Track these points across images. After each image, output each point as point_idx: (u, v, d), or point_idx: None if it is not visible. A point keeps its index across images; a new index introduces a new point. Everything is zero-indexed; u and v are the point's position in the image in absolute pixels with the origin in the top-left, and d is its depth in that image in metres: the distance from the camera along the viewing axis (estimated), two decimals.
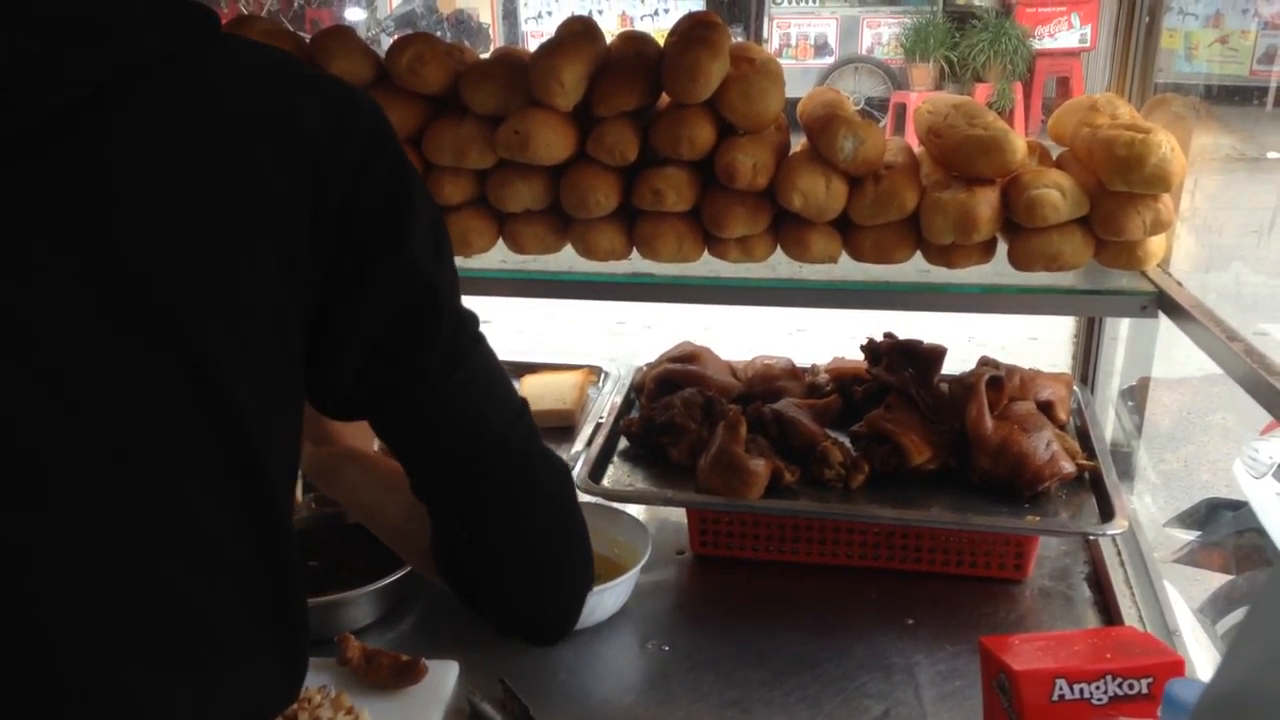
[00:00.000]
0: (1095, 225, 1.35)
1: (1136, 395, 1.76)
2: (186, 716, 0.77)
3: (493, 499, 0.91)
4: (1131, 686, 1.07)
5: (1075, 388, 1.75)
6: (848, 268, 1.45)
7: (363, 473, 1.06)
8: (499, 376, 0.92)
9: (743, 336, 1.93)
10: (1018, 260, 1.38)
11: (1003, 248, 1.43)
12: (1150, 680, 1.07)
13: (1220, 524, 2.63)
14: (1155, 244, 1.36)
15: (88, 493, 0.69)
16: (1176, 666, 1.08)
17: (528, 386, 1.88)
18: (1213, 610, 2.57)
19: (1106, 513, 1.49)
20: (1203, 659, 1.45)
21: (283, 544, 0.85)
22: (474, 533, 0.92)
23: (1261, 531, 2.48)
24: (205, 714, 0.79)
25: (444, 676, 1.39)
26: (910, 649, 1.45)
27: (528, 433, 0.93)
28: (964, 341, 2.98)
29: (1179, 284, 1.34)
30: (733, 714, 1.35)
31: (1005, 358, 1.74)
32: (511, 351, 1.98)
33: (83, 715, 0.70)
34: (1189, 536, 2.68)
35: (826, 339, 2.01)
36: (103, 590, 0.70)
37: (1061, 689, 1.06)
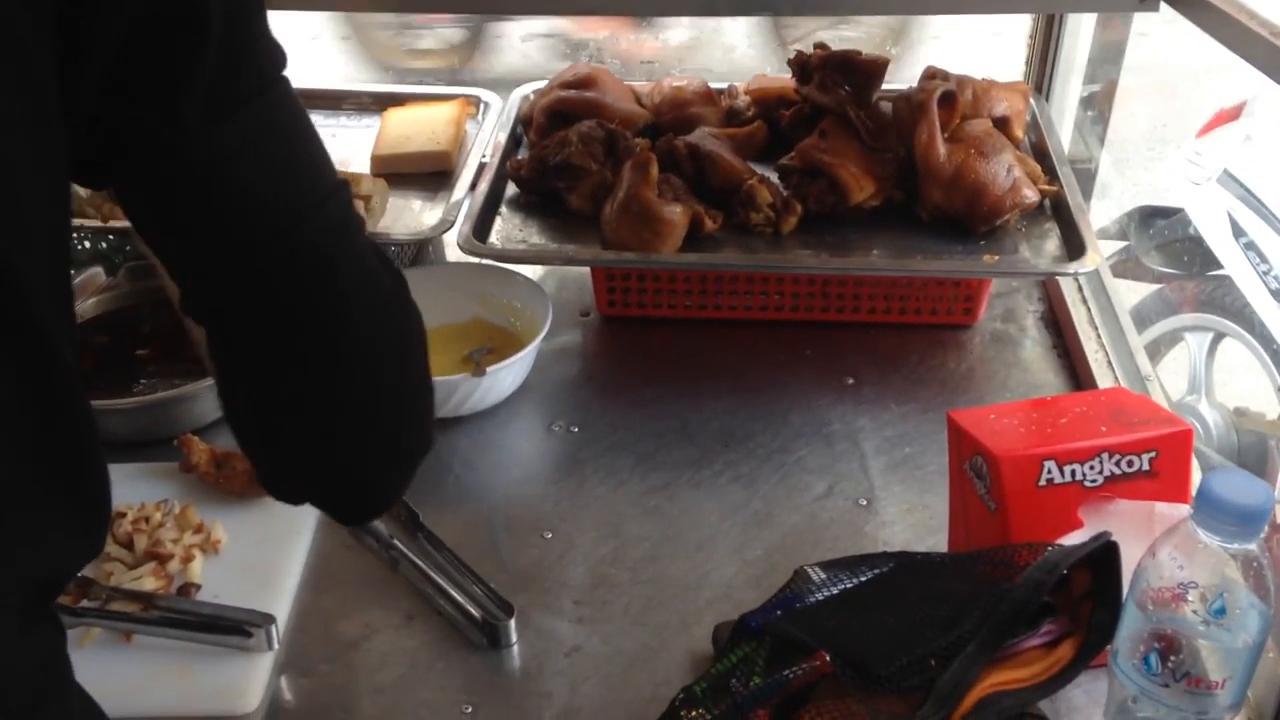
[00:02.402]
0: None
1: (1100, 103, 1.53)
2: None
3: (281, 318, 0.65)
4: (1131, 464, 0.91)
5: (1030, 98, 1.52)
6: None
7: None
8: (301, 139, 0.65)
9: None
10: None
11: None
12: (1153, 455, 0.91)
13: (1151, 232, 2.50)
14: None
15: None
16: (1184, 439, 0.91)
17: (392, 124, 1.57)
18: (1137, 321, 2.48)
19: (1074, 247, 1.30)
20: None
21: (56, 374, 0.61)
22: (257, 367, 0.67)
23: (1197, 240, 2.34)
24: None
25: None
26: (852, 413, 1.28)
27: (341, 224, 0.66)
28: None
29: None
30: (657, 501, 1.17)
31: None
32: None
33: None
34: (1118, 245, 2.55)
35: None
36: None
37: (1050, 472, 0.90)
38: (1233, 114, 2.41)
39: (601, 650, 1.01)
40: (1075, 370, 1.32)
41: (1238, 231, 2.18)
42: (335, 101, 1.69)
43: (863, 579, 0.92)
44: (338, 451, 0.71)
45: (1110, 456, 0.90)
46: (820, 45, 1.45)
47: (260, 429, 0.71)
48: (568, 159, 1.38)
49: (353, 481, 0.74)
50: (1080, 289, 1.40)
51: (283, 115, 0.64)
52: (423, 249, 1.51)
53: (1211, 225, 2.26)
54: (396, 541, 1.10)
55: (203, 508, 1.13)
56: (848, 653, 0.80)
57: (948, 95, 1.35)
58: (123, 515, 1.09)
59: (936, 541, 1.10)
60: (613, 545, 1.12)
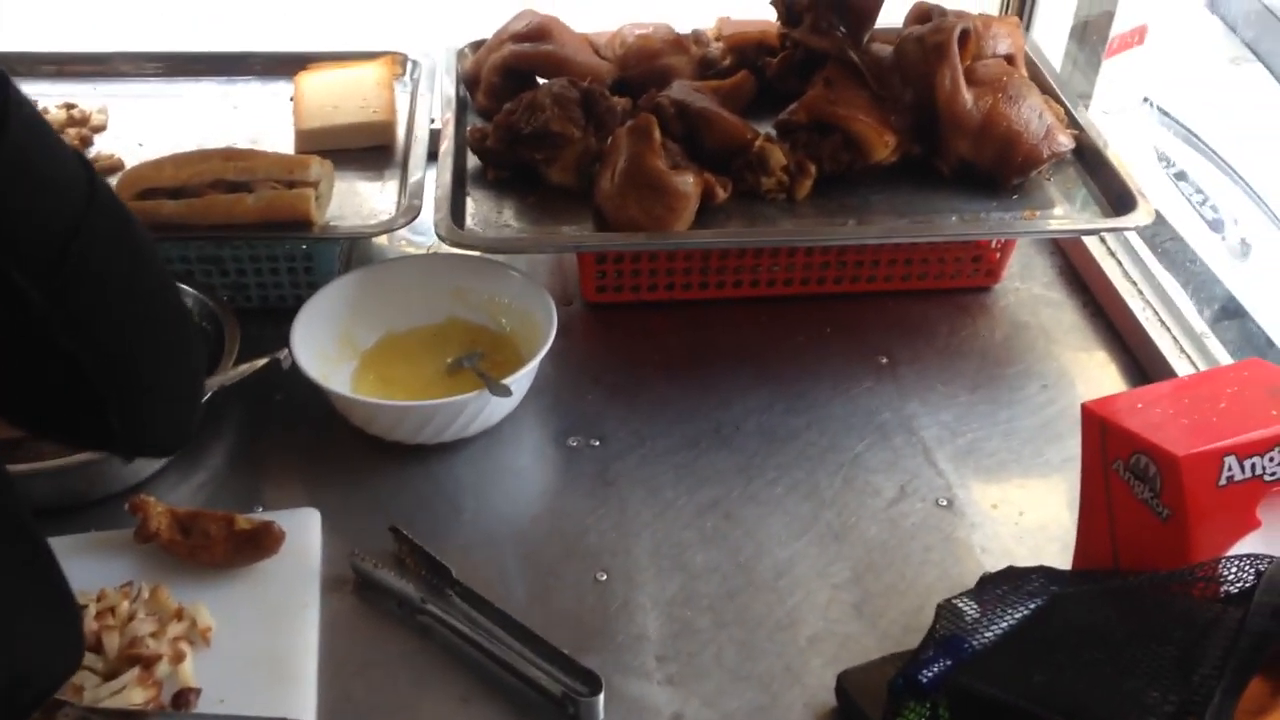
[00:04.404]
0: None
1: (1092, 35, 1.44)
2: None
3: (110, 283, 0.63)
4: None
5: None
6: None
7: None
8: (47, 126, 0.60)
9: None
10: None
11: None
12: None
13: None
14: None
15: None
16: None
17: (311, 91, 1.33)
18: None
19: (1116, 197, 1.20)
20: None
21: None
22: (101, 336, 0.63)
23: None
24: None
25: (302, 536, 0.97)
26: (898, 398, 1.15)
27: (105, 184, 0.63)
28: None
29: None
30: (714, 522, 1.02)
31: None
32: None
33: None
34: None
35: None
36: None
37: (1231, 469, 0.78)
38: (1135, 37, 2.37)
39: (706, 716, 0.85)
40: (1117, 330, 1.22)
41: (1165, 161, 2.14)
42: (229, 66, 1.43)
43: (1025, 610, 0.79)
44: (181, 378, 0.73)
45: None
46: None
47: (119, 395, 0.66)
48: (544, 126, 1.19)
49: (191, 397, 0.75)
50: (1104, 241, 1.30)
51: (27, 106, 0.57)
52: (355, 241, 1.28)
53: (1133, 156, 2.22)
54: (429, 605, 0.91)
55: (176, 586, 0.91)
56: (1076, 715, 0.67)
57: (965, 34, 1.22)
58: (81, 608, 0.86)
59: (1038, 543, 0.99)
60: (680, 582, 0.96)
